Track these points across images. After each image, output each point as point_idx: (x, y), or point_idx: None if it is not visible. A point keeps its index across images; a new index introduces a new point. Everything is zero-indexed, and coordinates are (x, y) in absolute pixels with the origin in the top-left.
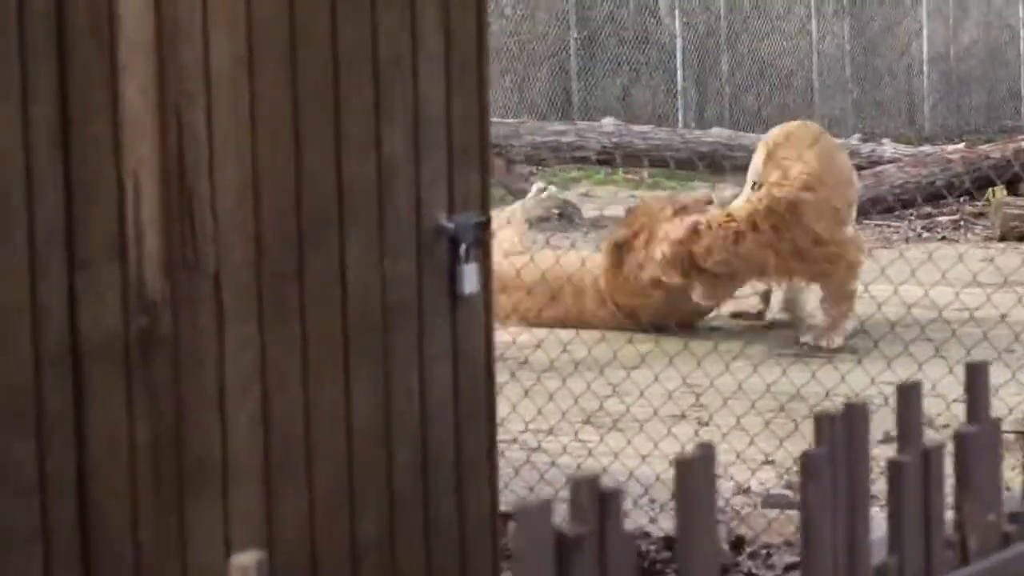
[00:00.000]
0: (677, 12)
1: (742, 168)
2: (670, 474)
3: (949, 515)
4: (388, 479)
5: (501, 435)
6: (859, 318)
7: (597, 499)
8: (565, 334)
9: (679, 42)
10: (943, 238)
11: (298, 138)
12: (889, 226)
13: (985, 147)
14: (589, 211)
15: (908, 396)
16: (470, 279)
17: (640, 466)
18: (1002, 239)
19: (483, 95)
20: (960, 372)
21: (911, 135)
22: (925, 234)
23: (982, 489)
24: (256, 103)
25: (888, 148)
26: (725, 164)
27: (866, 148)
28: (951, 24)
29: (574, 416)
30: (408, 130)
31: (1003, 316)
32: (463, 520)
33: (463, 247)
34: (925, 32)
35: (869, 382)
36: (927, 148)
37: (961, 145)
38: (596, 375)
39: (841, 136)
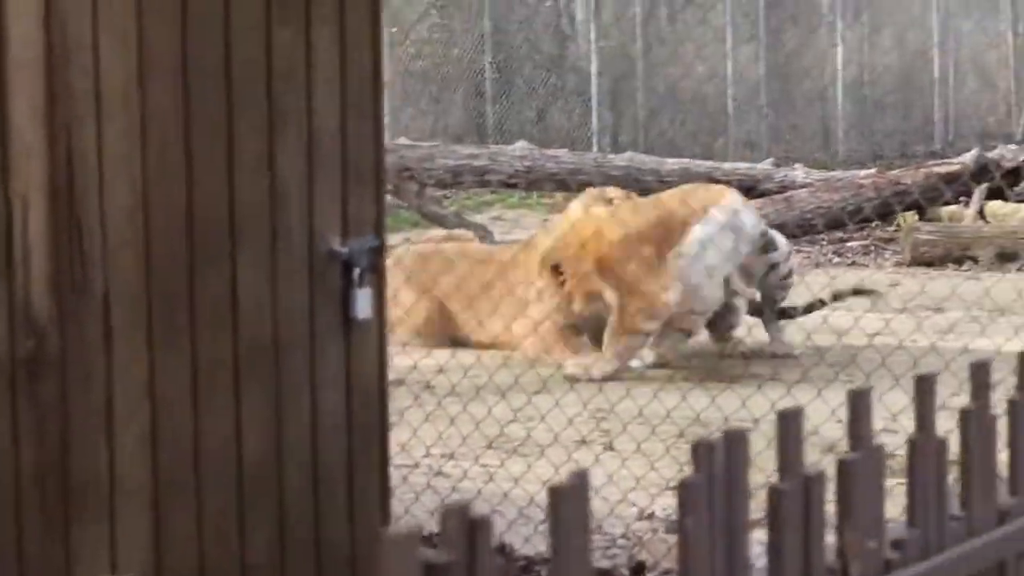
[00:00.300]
0: (592, 36)
1: (654, 191)
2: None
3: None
4: (279, 502)
5: (403, 460)
6: (755, 344)
7: (467, 527)
8: (467, 358)
9: (594, 66)
10: (853, 263)
11: (190, 158)
12: (800, 251)
13: (896, 172)
14: (500, 235)
15: (787, 424)
16: (363, 304)
17: (540, 491)
18: (911, 264)
19: (378, 114)
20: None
21: (826, 160)
22: (836, 259)
23: (863, 516)
24: (147, 123)
25: (800, 173)
26: (638, 188)
27: (779, 173)
28: (865, 50)
29: (476, 441)
30: (302, 149)
31: (900, 343)
32: (354, 544)
33: (357, 272)
34: (840, 58)
35: (769, 407)
36: (839, 173)
37: (872, 171)
38: (498, 400)
39: (755, 161)
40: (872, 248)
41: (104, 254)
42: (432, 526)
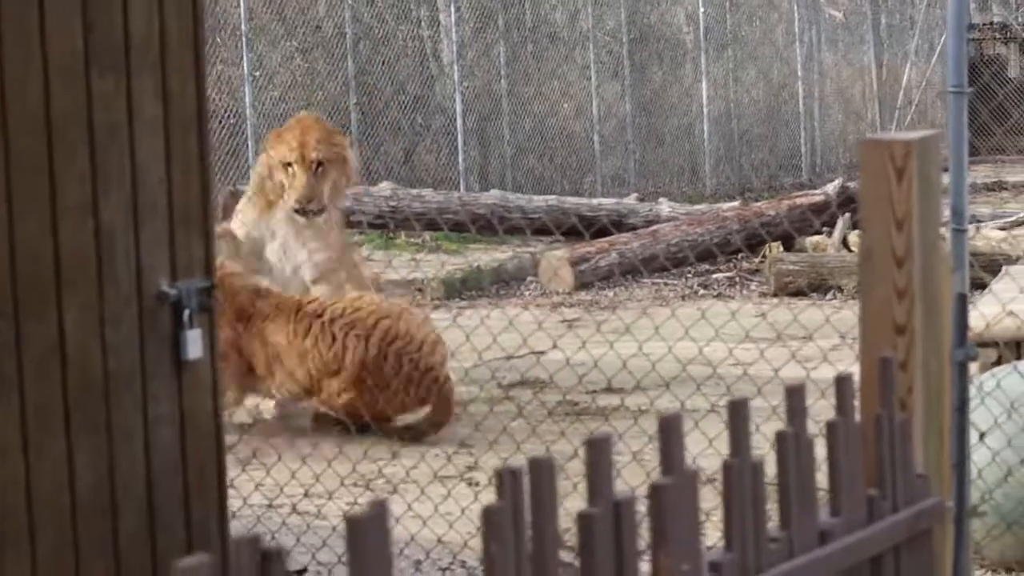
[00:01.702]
0: (456, 75)
1: (518, 229)
2: (452, 536)
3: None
4: (115, 546)
5: (280, 500)
6: (633, 376)
7: (258, 558)
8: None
9: (459, 105)
10: (719, 295)
11: (11, 206)
12: (666, 284)
13: (760, 204)
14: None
15: (598, 449)
16: (194, 344)
17: (421, 530)
18: (776, 295)
19: (205, 161)
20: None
21: (693, 194)
22: (702, 291)
23: (678, 540)
24: None
25: (664, 207)
26: (501, 226)
27: (643, 208)
28: (731, 84)
29: (353, 481)
30: (127, 197)
31: (776, 371)
32: None
33: (187, 312)
34: (704, 93)
35: (647, 440)
36: (703, 207)
37: (737, 203)
38: (375, 440)
39: (620, 195)
40: (738, 279)
41: None
42: (292, 564)
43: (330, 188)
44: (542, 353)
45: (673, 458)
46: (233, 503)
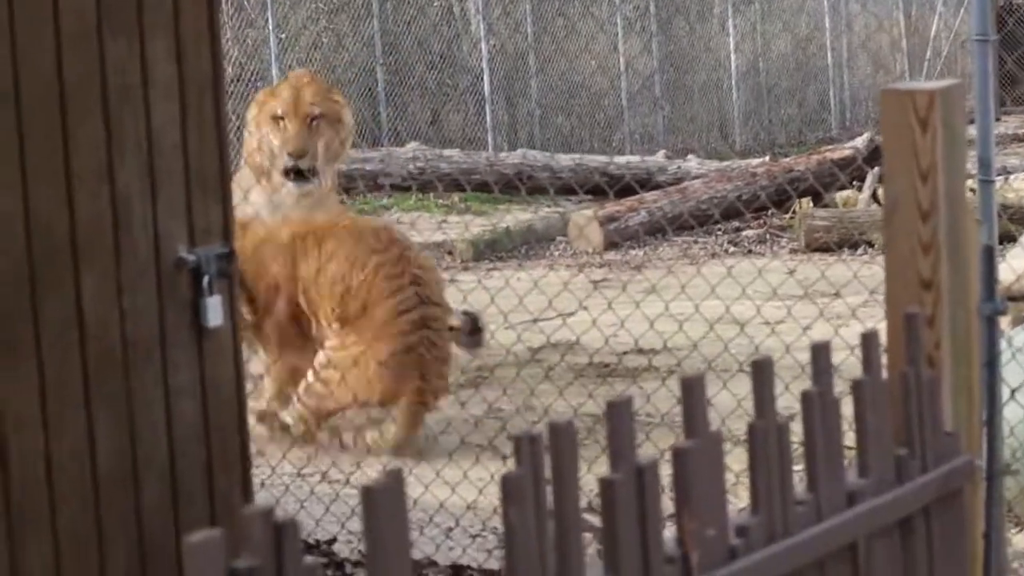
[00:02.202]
0: (484, 35)
1: (546, 189)
2: (482, 501)
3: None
4: (137, 518)
5: (309, 470)
6: (661, 336)
7: (272, 530)
8: None
9: (487, 64)
10: (749, 252)
11: (24, 175)
12: (696, 241)
13: (788, 160)
14: None
15: (618, 413)
16: (214, 311)
17: (451, 496)
18: (806, 251)
19: (221, 125)
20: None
21: (724, 150)
22: (731, 248)
23: (702, 503)
24: None
25: (693, 164)
26: (531, 185)
27: (672, 165)
28: (759, 39)
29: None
30: (142, 163)
31: (805, 329)
32: None
33: (206, 279)
34: (733, 47)
35: (676, 402)
36: (732, 163)
37: (766, 159)
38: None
39: (649, 152)
40: (768, 236)
41: None
42: (320, 533)
43: (324, 147)
44: (570, 314)
45: (696, 420)
46: (262, 471)
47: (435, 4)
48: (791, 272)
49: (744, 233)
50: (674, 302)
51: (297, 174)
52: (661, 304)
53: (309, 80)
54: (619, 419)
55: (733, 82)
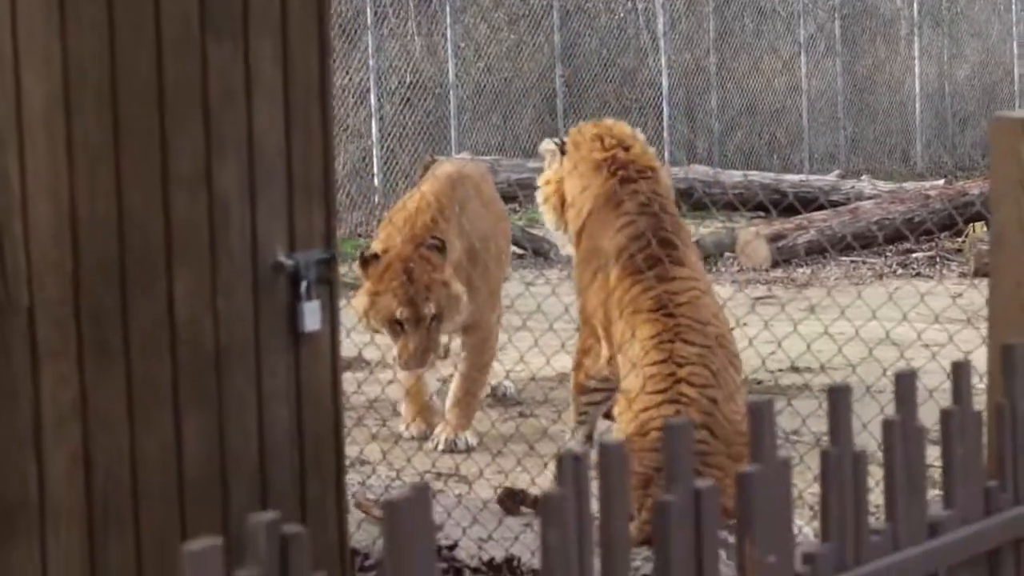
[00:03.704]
0: (663, 50)
1: (721, 205)
2: None
3: None
4: (224, 522)
5: (431, 475)
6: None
7: (278, 543)
8: None
9: (665, 79)
10: (918, 274)
11: (119, 177)
12: (864, 262)
13: (963, 183)
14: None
15: (675, 434)
16: (312, 316)
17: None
18: (976, 275)
19: (326, 130)
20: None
21: (904, 172)
22: (900, 270)
23: (764, 529)
24: (73, 143)
25: (866, 185)
26: (696, 201)
27: (845, 184)
28: (945, 61)
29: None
30: (242, 167)
31: (967, 355)
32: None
33: (304, 284)
34: (918, 70)
35: (800, 423)
36: (907, 185)
37: (941, 181)
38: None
39: (826, 172)
40: (938, 259)
41: (29, 273)
42: (443, 539)
43: None
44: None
45: (763, 444)
46: (387, 475)
47: (620, 19)
48: (953, 298)
49: (914, 255)
50: (835, 323)
51: None
52: (821, 324)
53: None
54: (675, 440)
55: (918, 105)
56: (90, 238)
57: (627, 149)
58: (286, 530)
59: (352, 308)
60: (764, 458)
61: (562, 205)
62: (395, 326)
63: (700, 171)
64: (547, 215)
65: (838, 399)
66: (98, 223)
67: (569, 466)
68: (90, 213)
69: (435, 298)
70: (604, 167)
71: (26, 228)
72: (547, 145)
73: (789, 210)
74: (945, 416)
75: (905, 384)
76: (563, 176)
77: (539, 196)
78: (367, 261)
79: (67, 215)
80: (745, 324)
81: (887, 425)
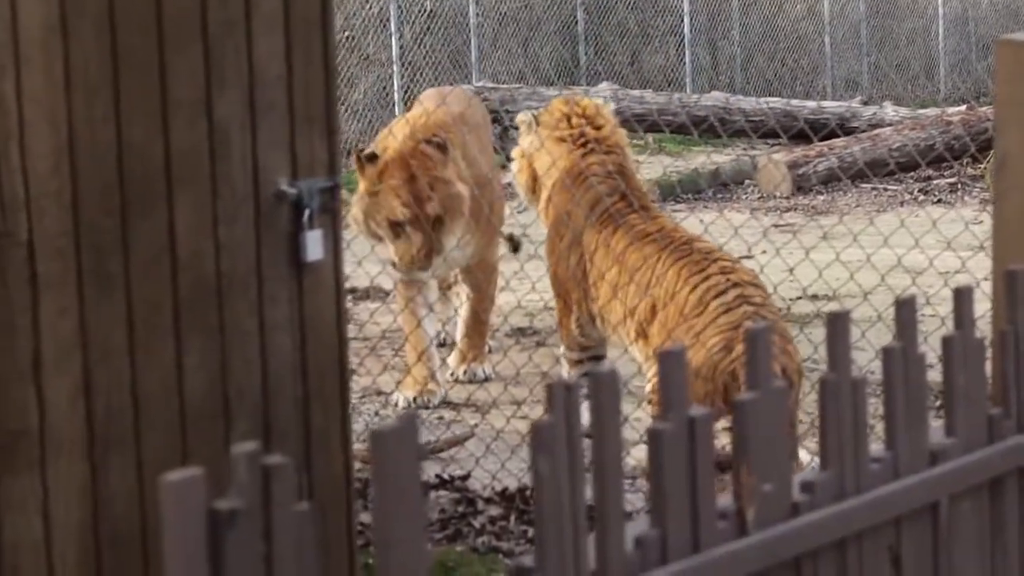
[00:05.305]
0: None
1: (739, 132)
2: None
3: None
4: (226, 451)
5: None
6: (829, 285)
7: (260, 474)
8: None
9: (686, 5)
10: (939, 201)
11: (119, 105)
12: (886, 189)
13: (986, 109)
14: None
15: (669, 362)
16: (315, 245)
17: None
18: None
19: (328, 58)
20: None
21: (927, 98)
22: (921, 197)
23: (760, 457)
24: (71, 69)
25: (888, 111)
26: (722, 128)
27: (867, 111)
28: None
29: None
30: (243, 95)
31: (979, 281)
32: (312, 495)
33: (307, 213)
34: None
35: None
36: (928, 111)
37: (963, 107)
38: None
39: (848, 99)
40: (960, 185)
41: (27, 201)
42: (455, 470)
43: None
44: (747, 258)
45: (758, 371)
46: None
47: None
48: (967, 224)
49: (936, 182)
50: (846, 250)
51: None
52: (833, 252)
53: None
54: (670, 368)
55: (941, 30)
56: (89, 166)
57: (598, 128)
58: (267, 461)
59: (351, 220)
60: (760, 385)
61: (534, 180)
62: (396, 228)
63: (719, 97)
64: (519, 188)
65: (837, 325)
66: (97, 151)
67: (559, 395)
68: (89, 141)
69: (438, 196)
70: (570, 142)
71: (24, 157)
72: (523, 117)
73: (804, 137)
74: (947, 343)
75: (906, 311)
76: (533, 152)
77: (512, 168)
78: (365, 161)
79: (66, 143)
80: (763, 252)
81: (887, 352)
